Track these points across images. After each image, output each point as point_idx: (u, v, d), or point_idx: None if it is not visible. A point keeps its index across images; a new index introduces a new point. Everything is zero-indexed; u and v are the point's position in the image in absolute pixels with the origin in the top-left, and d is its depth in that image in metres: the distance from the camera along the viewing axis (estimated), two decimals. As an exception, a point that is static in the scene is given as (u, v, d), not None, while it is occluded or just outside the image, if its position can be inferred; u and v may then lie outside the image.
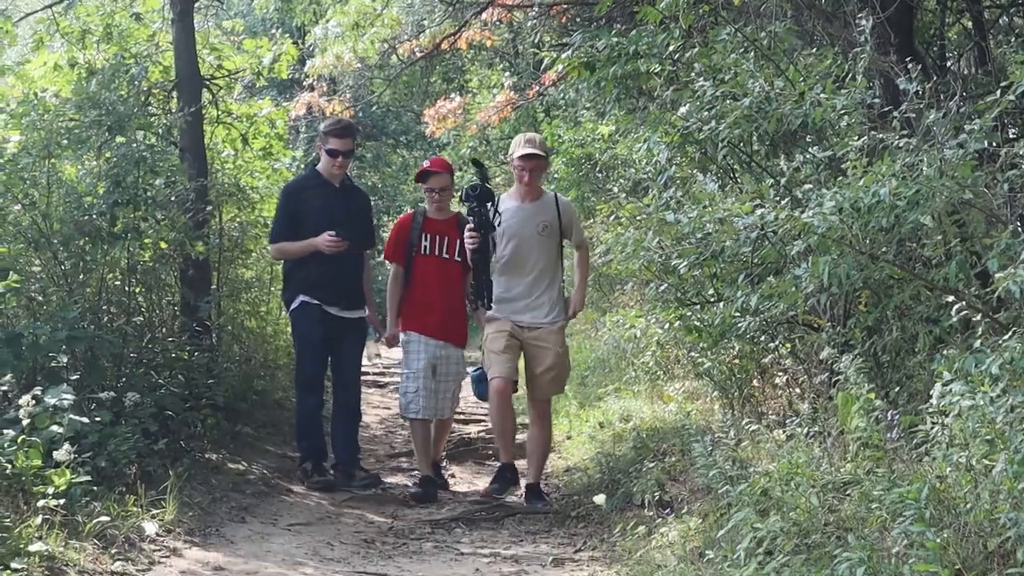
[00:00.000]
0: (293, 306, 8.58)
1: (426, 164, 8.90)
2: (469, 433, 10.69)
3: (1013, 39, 10.35)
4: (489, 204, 7.88)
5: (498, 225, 7.89)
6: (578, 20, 13.65)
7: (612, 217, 8.85)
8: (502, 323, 7.97)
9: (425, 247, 8.37)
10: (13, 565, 5.34)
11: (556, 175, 14.96)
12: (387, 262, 9.21)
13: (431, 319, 8.34)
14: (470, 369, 8.77)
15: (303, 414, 8.70)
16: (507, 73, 20.20)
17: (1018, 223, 4.84)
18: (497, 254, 8.01)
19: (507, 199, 8.17)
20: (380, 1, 15.97)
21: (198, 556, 6.44)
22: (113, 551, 6.07)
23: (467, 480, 9.13)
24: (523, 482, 8.15)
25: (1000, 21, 10.73)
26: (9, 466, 5.87)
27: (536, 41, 17.76)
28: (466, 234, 7.88)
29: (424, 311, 8.38)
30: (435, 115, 19.36)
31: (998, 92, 5.35)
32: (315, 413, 8.71)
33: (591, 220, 13.30)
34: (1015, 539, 3.69)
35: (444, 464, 9.22)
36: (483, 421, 11.26)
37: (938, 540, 3.83)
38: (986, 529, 3.86)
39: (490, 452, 9.99)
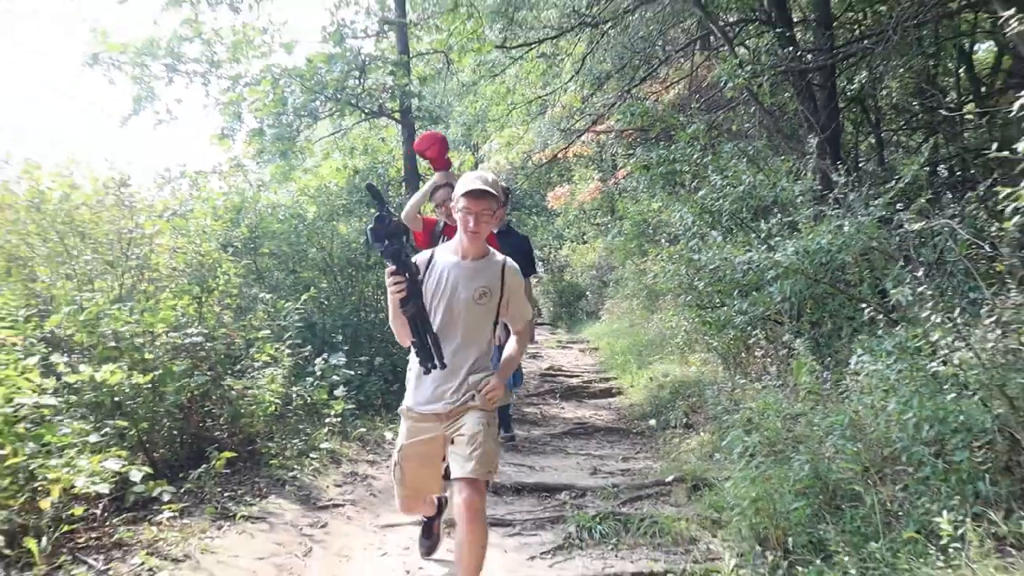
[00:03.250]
0: None
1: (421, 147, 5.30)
2: (572, 382, 10.32)
3: (900, 150, 10.26)
4: (405, 238, 3.31)
5: (424, 280, 3.54)
6: (639, 139, 13.57)
7: (657, 256, 8.76)
8: (416, 423, 3.63)
9: None
10: (312, 455, 5.61)
11: (624, 233, 14.87)
12: None
13: None
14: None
15: None
16: (596, 171, 20.14)
17: (903, 261, 4.75)
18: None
19: (442, 252, 3.64)
20: (522, 129, 16.22)
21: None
22: (368, 448, 6.31)
23: (571, 410, 9.13)
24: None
25: (892, 139, 10.59)
26: (310, 398, 6.12)
27: (614, 152, 17.76)
28: (388, 280, 3.30)
29: None
30: (553, 196, 19.72)
31: (892, 182, 5.34)
32: None
33: (645, 259, 13.19)
34: (899, 449, 3.68)
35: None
36: (580, 375, 11.09)
37: (854, 449, 3.84)
38: (883, 442, 3.84)
39: (588, 392, 9.85)
